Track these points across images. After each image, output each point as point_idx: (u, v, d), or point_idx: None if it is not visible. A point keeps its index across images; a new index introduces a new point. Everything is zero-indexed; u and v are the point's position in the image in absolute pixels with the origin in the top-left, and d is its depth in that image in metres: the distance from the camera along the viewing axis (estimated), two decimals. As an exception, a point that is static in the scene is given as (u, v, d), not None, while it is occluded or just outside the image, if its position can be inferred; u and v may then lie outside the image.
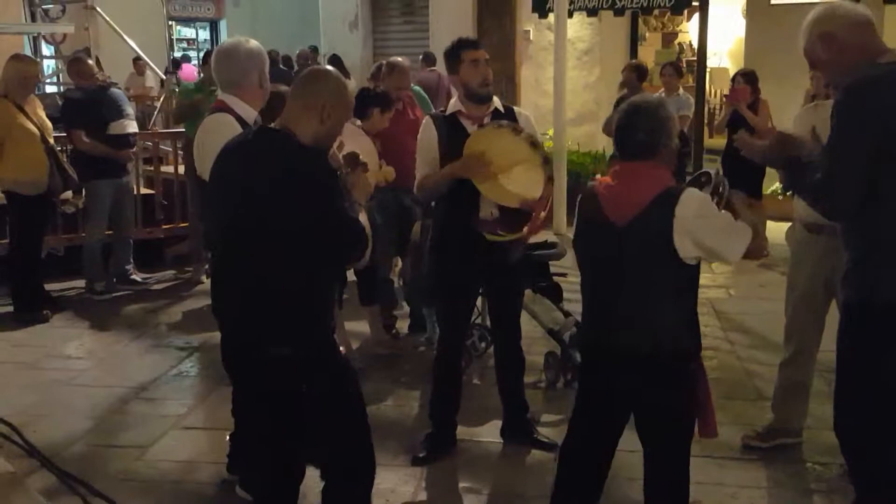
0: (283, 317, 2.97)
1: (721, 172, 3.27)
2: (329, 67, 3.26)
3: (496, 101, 4.27)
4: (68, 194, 7.27)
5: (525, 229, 4.16)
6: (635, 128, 3.06)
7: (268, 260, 2.93)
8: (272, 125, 3.10)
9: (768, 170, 8.09)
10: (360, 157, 3.43)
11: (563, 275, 5.60)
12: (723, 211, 3.08)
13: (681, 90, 9.19)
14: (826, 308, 4.26)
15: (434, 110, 5.43)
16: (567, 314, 5.45)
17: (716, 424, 3.21)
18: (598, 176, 3.39)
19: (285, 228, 2.89)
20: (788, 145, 3.22)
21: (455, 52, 4.20)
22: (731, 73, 10.05)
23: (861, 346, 3.12)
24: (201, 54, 15.79)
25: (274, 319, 2.97)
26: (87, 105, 7.22)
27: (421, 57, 12.00)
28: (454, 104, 4.27)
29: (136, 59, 14.03)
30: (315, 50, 16.82)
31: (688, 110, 8.97)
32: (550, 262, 5.47)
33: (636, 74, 9.56)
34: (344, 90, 3.09)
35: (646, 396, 3.11)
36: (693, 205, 2.96)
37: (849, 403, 3.20)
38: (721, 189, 3.20)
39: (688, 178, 3.43)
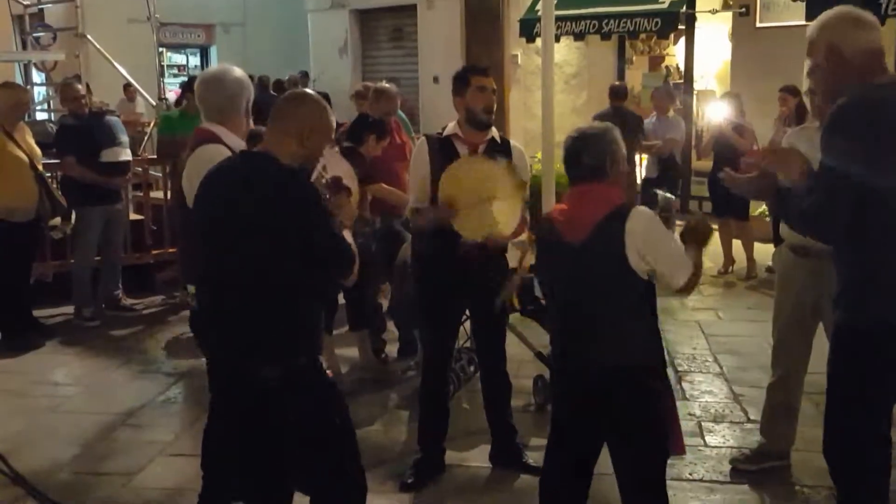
0: (271, 336, 2.98)
1: (671, 194, 3.38)
2: (308, 90, 3.28)
3: (494, 132, 4.30)
4: (57, 220, 7.26)
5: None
6: (580, 153, 3.19)
7: (254, 280, 2.94)
8: (255, 149, 3.14)
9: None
10: (343, 180, 3.45)
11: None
12: (674, 237, 3.21)
13: (671, 113, 9.25)
14: (813, 331, 4.27)
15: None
16: None
17: (683, 441, 3.24)
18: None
19: (272, 247, 2.90)
20: (774, 179, 3.23)
21: (464, 76, 4.26)
22: (718, 95, 10.11)
23: (851, 369, 3.13)
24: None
25: (262, 339, 2.97)
26: (81, 131, 7.19)
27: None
28: (452, 127, 4.30)
29: (127, 86, 14.05)
30: (305, 75, 16.88)
31: (675, 133, 9.02)
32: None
33: (611, 93, 9.71)
34: (324, 112, 3.12)
35: (612, 414, 3.14)
36: (642, 220, 3.09)
37: (838, 426, 3.21)
38: (668, 209, 3.31)
39: (638, 197, 3.54)
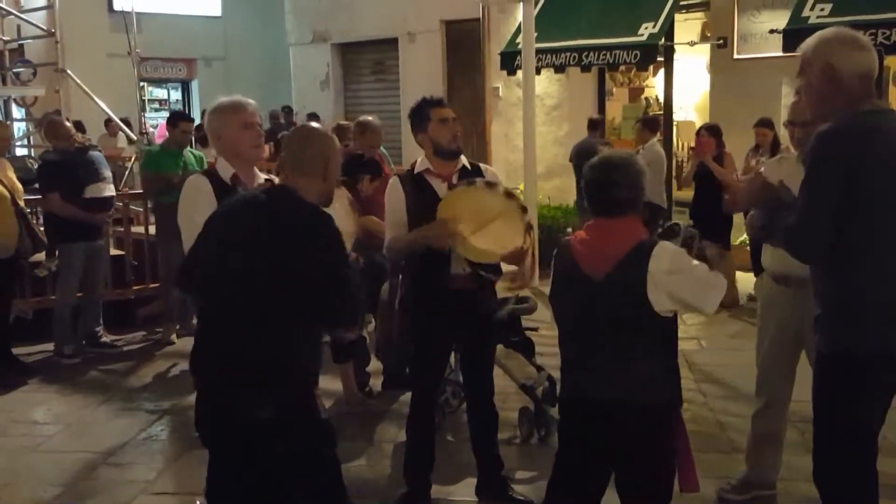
0: (268, 379, 2.94)
1: (691, 224, 3.30)
2: (315, 124, 3.31)
3: (463, 159, 4.29)
4: (41, 257, 7.21)
5: (513, 281, 4.19)
6: (615, 184, 3.08)
7: (262, 320, 2.91)
8: (280, 185, 3.15)
9: (736, 220, 8.21)
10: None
11: (535, 329, 5.61)
12: (697, 262, 3.09)
13: (648, 143, 9.32)
14: (796, 359, 4.27)
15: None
16: (540, 369, 5.45)
17: (697, 479, 3.18)
18: (570, 230, 3.42)
19: (287, 285, 2.89)
20: (772, 188, 3.25)
21: (422, 111, 4.22)
22: (698, 126, 10.21)
23: (835, 396, 3.14)
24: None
25: (260, 382, 2.93)
26: (65, 168, 7.13)
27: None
28: (422, 162, 4.28)
29: (109, 121, 14.05)
30: (289, 110, 16.93)
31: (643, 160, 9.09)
32: (522, 317, 5.47)
33: (589, 124, 9.83)
34: (335, 143, 3.20)
35: (623, 451, 3.10)
36: (666, 258, 2.98)
37: (826, 454, 3.21)
38: (691, 240, 3.23)
39: (659, 231, 3.45)
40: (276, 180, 4.16)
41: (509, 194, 4.09)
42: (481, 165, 4.41)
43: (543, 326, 5.50)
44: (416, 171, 4.29)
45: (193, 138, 9.27)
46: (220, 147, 3.94)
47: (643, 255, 2.98)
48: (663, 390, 3.09)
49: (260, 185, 3.87)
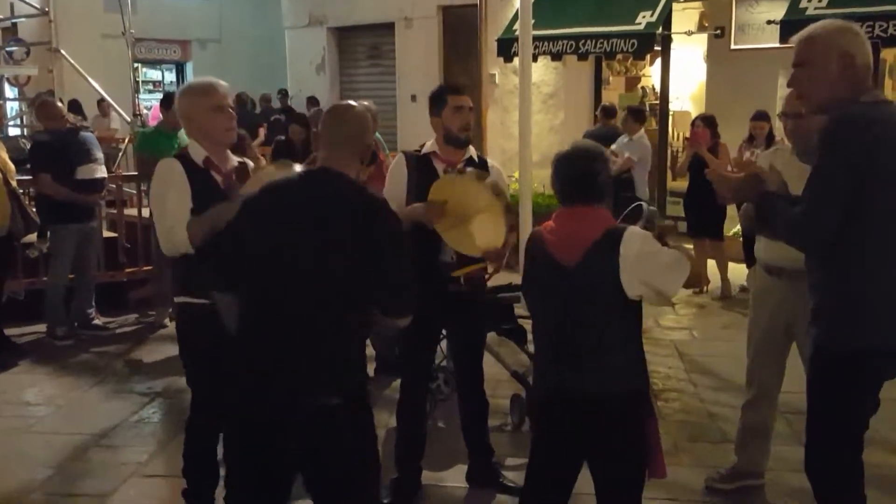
0: (337, 365, 2.90)
1: (652, 206, 3.33)
2: (353, 102, 3.19)
3: (471, 150, 4.30)
4: (33, 238, 7.19)
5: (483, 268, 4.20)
6: (596, 173, 3.11)
7: (327, 306, 2.85)
8: (319, 167, 3.04)
9: (730, 212, 8.22)
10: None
11: (528, 317, 5.61)
12: (663, 247, 3.11)
13: (637, 134, 9.29)
14: (787, 351, 4.29)
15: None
16: (531, 356, 5.46)
17: (665, 465, 3.21)
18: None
19: (355, 269, 2.84)
20: (761, 181, 3.25)
21: (441, 96, 4.26)
22: (693, 116, 10.21)
23: (831, 390, 3.14)
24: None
25: (329, 368, 2.88)
26: (55, 148, 7.11)
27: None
28: (430, 145, 4.30)
29: (101, 101, 13.99)
30: (285, 94, 16.88)
31: (634, 153, 9.05)
32: (515, 305, 5.48)
33: (602, 112, 9.83)
34: (370, 123, 3.16)
35: (597, 440, 3.12)
36: (636, 243, 3.02)
37: (819, 446, 3.22)
38: (653, 218, 3.26)
39: (624, 213, 3.46)
40: (250, 164, 4.14)
41: (497, 191, 4.06)
42: (488, 161, 4.43)
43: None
44: (423, 151, 4.30)
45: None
46: (190, 129, 3.90)
47: (614, 241, 3.01)
48: (635, 378, 3.14)
49: (233, 168, 3.86)
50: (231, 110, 3.89)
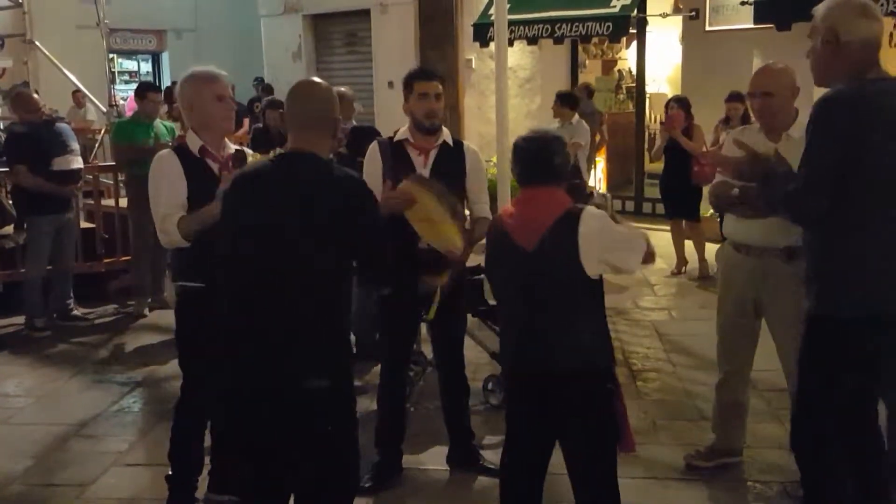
0: (324, 347, 2.92)
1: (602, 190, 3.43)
2: (316, 79, 3.20)
3: (446, 134, 4.29)
4: (8, 230, 7.14)
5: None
6: (554, 153, 3.20)
7: (312, 289, 2.88)
8: (291, 149, 3.03)
9: (705, 192, 8.27)
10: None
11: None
12: (618, 225, 3.20)
13: (575, 118, 9.29)
14: (756, 327, 4.30)
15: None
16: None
17: (633, 439, 3.26)
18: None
19: (336, 249, 2.87)
20: (763, 160, 3.28)
21: (408, 82, 4.24)
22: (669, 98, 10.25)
23: (824, 358, 3.19)
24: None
25: (317, 350, 2.90)
26: (31, 140, 7.07)
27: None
28: (403, 132, 4.30)
29: (76, 92, 13.89)
30: (261, 81, 16.78)
31: (580, 138, 9.07)
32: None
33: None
34: (335, 97, 3.15)
35: (565, 417, 3.18)
36: (594, 223, 3.08)
37: (807, 417, 3.26)
38: (604, 205, 3.33)
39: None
40: (249, 150, 4.17)
41: (441, 197, 3.96)
42: (464, 144, 4.42)
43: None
44: (396, 138, 4.30)
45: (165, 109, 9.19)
46: (190, 117, 3.95)
47: (572, 222, 3.07)
48: (602, 355, 3.20)
49: (230, 155, 3.88)
50: (231, 101, 3.96)
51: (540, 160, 3.20)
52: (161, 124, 7.81)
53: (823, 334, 3.18)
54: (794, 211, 3.19)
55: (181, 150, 3.90)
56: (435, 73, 4.44)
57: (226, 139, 4.02)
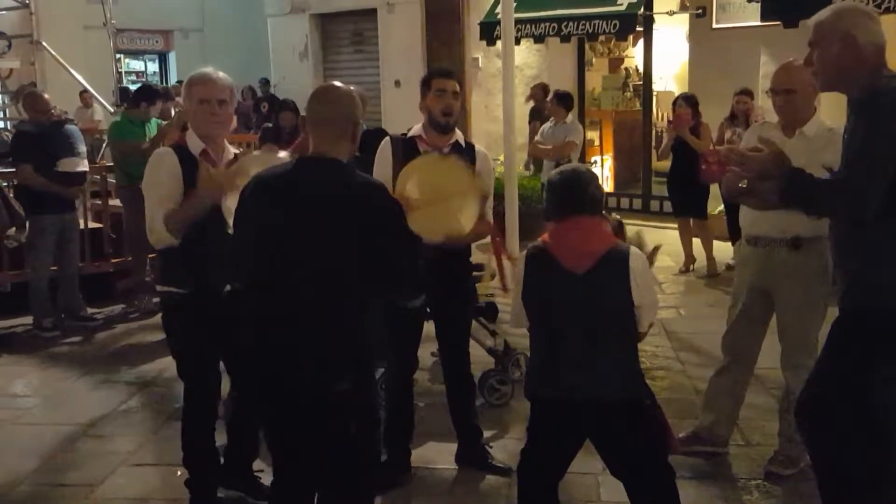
0: (346, 351, 2.92)
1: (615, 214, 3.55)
2: (338, 83, 3.20)
3: (459, 135, 4.30)
4: (11, 229, 7.15)
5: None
6: (586, 185, 3.25)
7: (334, 293, 2.87)
8: (312, 154, 3.01)
9: (713, 190, 8.25)
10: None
11: (491, 295, 5.84)
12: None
13: (569, 118, 9.25)
14: (766, 320, 4.34)
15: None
16: (494, 332, 5.61)
17: (677, 442, 3.42)
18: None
19: (353, 255, 2.86)
20: (786, 157, 3.25)
21: (427, 79, 4.30)
22: (677, 96, 10.22)
23: (850, 359, 3.14)
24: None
25: (339, 353, 2.90)
26: (38, 140, 7.08)
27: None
28: (417, 129, 4.31)
29: (83, 92, 13.93)
30: (266, 82, 16.79)
31: (574, 137, 9.03)
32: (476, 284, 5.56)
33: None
34: (359, 101, 3.14)
35: (607, 440, 3.25)
36: (640, 261, 3.20)
37: (826, 416, 3.23)
38: (640, 238, 3.53)
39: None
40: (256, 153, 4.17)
41: (467, 165, 3.99)
42: (476, 146, 4.41)
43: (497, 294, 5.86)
44: (409, 135, 4.30)
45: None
46: (188, 119, 3.96)
47: (622, 255, 3.15)
48: (642, 385, 3.29)
49: (230, 160, 3.85)
50: (223, 104, 3.84)
51: (576, 190, 3.24)
52: (157, 123, 7.83)
53: (856, 334, 3.12)
54: (845, 204, 3.04)
55: (181, 149, 3.84)
56: (453, 72, 4.50)
57: (226, 143, 3.99)
